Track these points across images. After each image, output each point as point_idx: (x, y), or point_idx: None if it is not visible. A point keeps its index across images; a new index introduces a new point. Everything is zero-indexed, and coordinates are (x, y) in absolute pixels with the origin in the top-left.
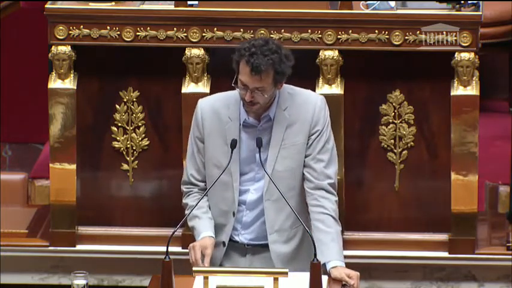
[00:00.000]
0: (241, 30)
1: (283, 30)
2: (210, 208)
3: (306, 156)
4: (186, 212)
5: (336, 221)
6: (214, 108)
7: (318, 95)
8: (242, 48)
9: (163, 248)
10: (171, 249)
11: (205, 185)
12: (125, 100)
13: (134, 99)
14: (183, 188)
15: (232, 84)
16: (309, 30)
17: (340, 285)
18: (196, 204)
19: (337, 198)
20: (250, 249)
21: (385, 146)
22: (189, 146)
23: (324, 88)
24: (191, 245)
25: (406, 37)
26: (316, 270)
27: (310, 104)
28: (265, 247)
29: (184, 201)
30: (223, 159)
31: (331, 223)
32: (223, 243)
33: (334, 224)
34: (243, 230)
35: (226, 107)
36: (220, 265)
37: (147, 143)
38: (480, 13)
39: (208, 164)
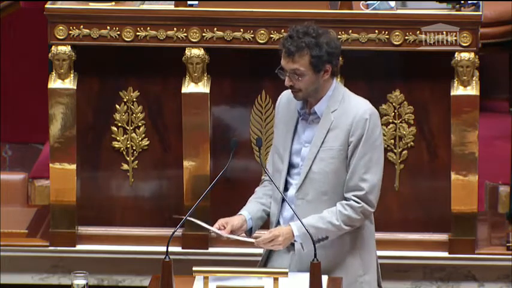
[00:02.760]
0: (241, 30)
1: (283, 30)
2: (267, 196)
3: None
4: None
5: (332, 215)
6: (289, 98)
7: (369, 106)
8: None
9: (163, 248)
10: (171, 249)
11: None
12: (125, 100)
13: (134, 99)
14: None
15: (276, 71)
16: None
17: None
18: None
19: (351, 214)
20: (294, 247)
21: (385, 146)
22: None
23: None
24: None
25: (406, 37)
26: (316, 270)
27: (352, 113)
28: None
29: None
30: (281, 147)
31: (325, 212)
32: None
33: (327, 212)
34: (284, 226)
35: None
36: (268, 257)
37: (147, 143)
38: (480, 13)
39: (273, 150)
